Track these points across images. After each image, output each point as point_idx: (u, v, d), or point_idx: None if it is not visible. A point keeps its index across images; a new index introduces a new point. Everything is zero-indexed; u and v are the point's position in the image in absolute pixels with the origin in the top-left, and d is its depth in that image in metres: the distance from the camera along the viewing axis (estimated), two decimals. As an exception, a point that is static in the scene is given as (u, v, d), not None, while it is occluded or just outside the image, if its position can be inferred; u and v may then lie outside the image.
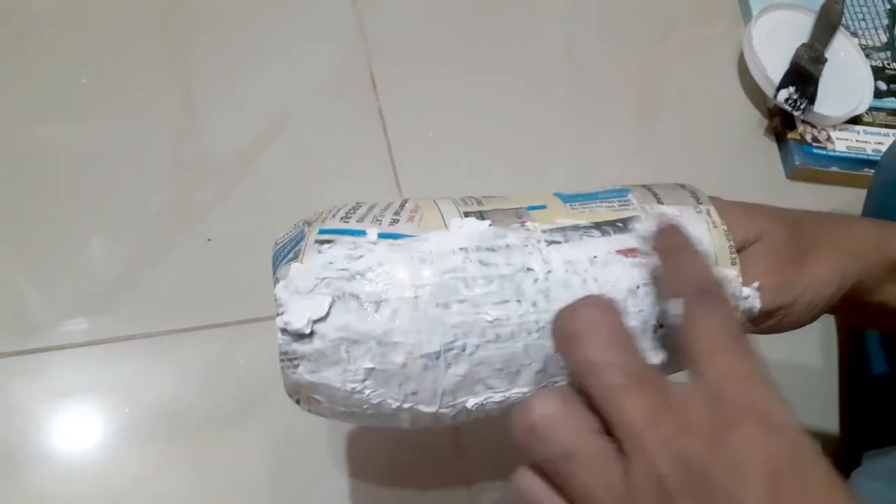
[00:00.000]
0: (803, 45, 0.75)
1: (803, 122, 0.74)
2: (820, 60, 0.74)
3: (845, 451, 0.63)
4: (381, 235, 0.32)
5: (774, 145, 0.75)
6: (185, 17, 0.66)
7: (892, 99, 0.78)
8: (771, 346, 0.67)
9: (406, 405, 0.32)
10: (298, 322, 0.30)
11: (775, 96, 0.72)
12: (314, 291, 0.31)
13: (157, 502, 0.48)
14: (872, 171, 0.67)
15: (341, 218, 0.34)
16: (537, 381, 0.33)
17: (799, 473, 0.23)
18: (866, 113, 0.75)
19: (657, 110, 0.74)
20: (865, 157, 0.74)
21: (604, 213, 0.35)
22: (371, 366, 0.31)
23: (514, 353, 0.32)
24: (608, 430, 0.25)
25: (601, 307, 0.27)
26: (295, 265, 0.32)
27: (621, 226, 0.34)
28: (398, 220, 0.33)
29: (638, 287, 0.33)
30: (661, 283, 0.32)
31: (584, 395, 0.26)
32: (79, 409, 0.51)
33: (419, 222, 0.33)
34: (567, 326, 0.27)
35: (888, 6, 0.84)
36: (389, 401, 0.32)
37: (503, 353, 0.32)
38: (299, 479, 0.51)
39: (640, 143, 0.72)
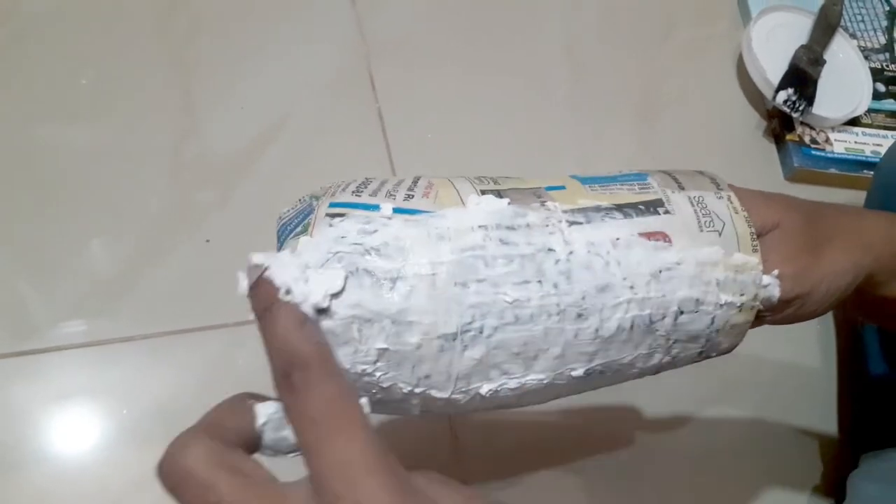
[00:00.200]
0: (802, 46, 0.75)
1: (802, 123, 0.74)
2: (819, 62, 0.74)
3: (844, 452, 0.63)
4: (397, 210, 0.30)
5: (773, 147, 0.75)
6: (185, 17, 0.66)
7: (891, 101, 0.78)
8: (771, 346, 0.68)
9: (418, 389, 0.31)
10: (314, 296, 0.27)
11: (774, 98, 0.72)
12: (326, 266, 0.29)
13: (156, 503, 0.48)
14: (871, 172, 0.67)
15: (353, 192, 0.32)
16: (554, 368, 0.32)
17: None
18: (865, 115, 0.76)
19: (656, 111, 0.74)
20: (864, 158, 0.74)
21: (625, 195, 0.34)
22: (384, 346, 0.29)
23: (533, 337, 0.31)
24: None
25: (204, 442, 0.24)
26: (304, 238, 0.30)
27: (643, 209, 0.34)
28: (413, 196, 0.31)
29: (661, 272, 0.33)
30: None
31: None
32: (77, 410, 0.51)
33: (435, 199, 0.31)
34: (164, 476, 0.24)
35: (887, 8, 0.84)
36: (401, 384, 0.30)
37: (522, 335, 0.31)
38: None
39: (640, 143, 0.72)
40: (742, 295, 0.34)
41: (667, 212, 0.34)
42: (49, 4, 0.63)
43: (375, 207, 0.30)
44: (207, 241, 0.57)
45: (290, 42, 0.67)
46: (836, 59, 0.77)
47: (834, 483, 0.61)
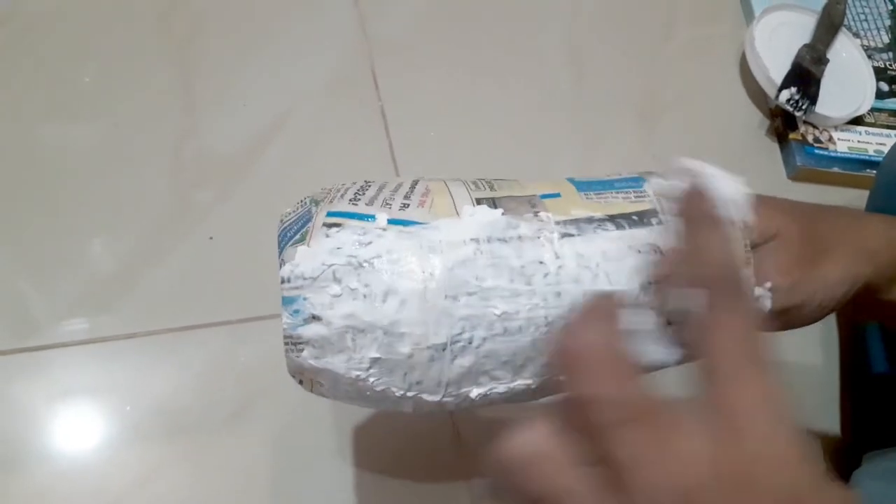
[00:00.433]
0: (805, 45, 0.75)
1: (805, 122, 0.74)
2: (822, 61, 0.74)
3: (846, 451, 0.63)
4: (391, 221, 0.32)
5: (776, 146, 0.75)
6: (187, 16, 0.66)
7: (894, 100, 0.78)
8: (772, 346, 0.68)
9: (410, 393, 0.32)
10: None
11: (777, 97, 0.72)
12: (321, 277, 0.31)
13: (158, 500, 0.48)
14: (874, 171, 0.67)
15: (350, 200, 0.33)
16: (542, 374, 0.33)
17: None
18: (868, 114, 0.75)
19: (659, 111, 0.74)
20: (867, 157, 0.74)
21: (619, 204, 0.35)
22: (377, 355, 0.31)
23: (521, 347, 0.32)
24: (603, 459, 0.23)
25: (602, 331, 0.24)
26: (302, 248, 0.31)
27: (636, 219, 0.34)
28: (408, 205, 0.33)
29: (650, 283, 0.33)
30: (679, 263, 0.27)
31: (578, 420, 0.24)
32: (79, 408, 0.51)
33: (430, 208, 0.33)
34: (565, 349, 0.24)
35: (890, 7, 0.83)
36: (393, 389, 0.32)
37: (510, 346, 0.32)
38: (299, 478, 0.51)
39: (642, 143, 0.72)
40: None
41: (660, 222, 0.34)
42: (49, 4, 0.63)
43: (371, 218, 0.32)
44: (210, 238, 0.57)
45: (293, 40, 0.67)
46: (840, 58, 0.77)
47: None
